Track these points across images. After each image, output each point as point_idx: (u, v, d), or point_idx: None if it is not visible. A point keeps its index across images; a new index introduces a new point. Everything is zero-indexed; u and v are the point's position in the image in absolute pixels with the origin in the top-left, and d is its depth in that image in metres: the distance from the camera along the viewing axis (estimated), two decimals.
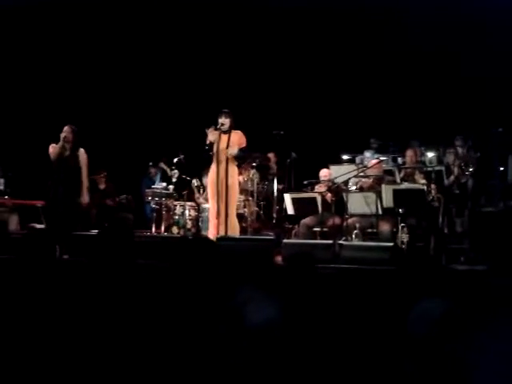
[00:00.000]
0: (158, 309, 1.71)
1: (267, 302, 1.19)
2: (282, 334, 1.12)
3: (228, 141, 5.79)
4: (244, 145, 5.81)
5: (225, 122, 5.76)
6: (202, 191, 6.94)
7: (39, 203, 6.96)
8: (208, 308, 1.40)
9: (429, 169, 6.23)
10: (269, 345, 1.06)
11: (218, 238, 5.14)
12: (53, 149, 6.03)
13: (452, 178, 6.61)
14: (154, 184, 7.35)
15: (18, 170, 7.43)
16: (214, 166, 5.83)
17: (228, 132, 5.81)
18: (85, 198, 6.06)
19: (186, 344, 1.40)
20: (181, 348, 1.40)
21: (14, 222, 6.96)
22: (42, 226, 6.84)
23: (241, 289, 1.27)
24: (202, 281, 1.71)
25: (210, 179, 5.89)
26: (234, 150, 5.75)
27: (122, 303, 2.26)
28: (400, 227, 5.83)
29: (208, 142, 5.75)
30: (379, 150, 7.95)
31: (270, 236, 5.89)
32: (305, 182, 6.55)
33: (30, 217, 7.09)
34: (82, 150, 6.16)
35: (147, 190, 6.71)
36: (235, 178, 5.89)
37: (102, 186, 7.97)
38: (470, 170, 6.65)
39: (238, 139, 5.78)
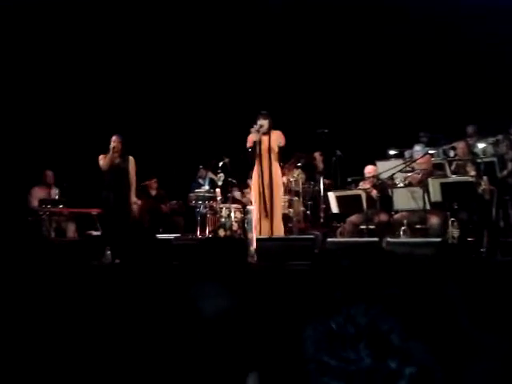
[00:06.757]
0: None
1: (222, 294, 1.22)
2: (236, 325, 1.14)
3: (269, 141, 5.83)
4: (283, 143, 5.83)
5: (263, 123, 5.81)
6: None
7: (95, 211, 7.25)
8: (165, 301, 1.44)
9: (478, 160, 5.98)
10: (223, 336, 1.08)
11: (257, 239, 5.18)
12: (103, 160, 6.30)
13: (506, 170, 6.31)
14: (202, 187, 7.54)
15: (73, 179, 7.79)
16: (257, 168, 5.88)
17: (268, 133, 5.85)
18: (133, 198, 6.33)
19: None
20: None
21: (71, 230, 7.30)
22: (98, 233, 7.13)
23: (197, 282, 1.30)
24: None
25: (253, 181, 5.94)
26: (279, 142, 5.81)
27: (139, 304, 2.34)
28: (450, 222, 5.64)
29: (252, 143, 5.80)
30: (429, 144, 7.71)
31: (313, 235, 5.85)
32: (349, 180, 6.47)
33: (87, 224, 7.41)
34: (130, 158, 6.41)
35: (191, 194, 6.88)
36: (279, 178, 5.92)
37: (154, 193, 8.22)
38: None
39: (277, 138, 5.82)
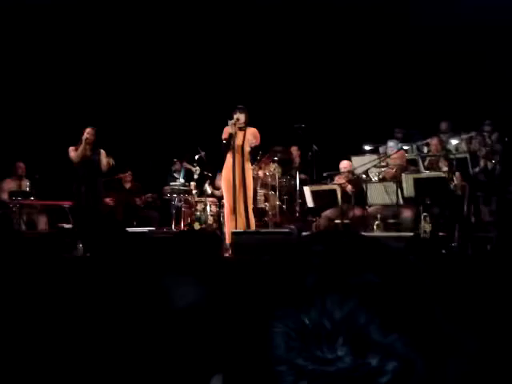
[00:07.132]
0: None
1: (193, 286, 1.20)
2: (206, 317, 1.13)
3: (244, 137, 5.80)
4: (258, 142, 5.81)
5: (240, 117, 5.77)
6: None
7: (67, 203, 7.13)
8: (136, 293, 1.42)
9: (451, 156, 6.08)
10: (193, 328, 1.07)
11: (233, 233, 5.16)
12: (73, 152, 6.20)
13: (478, 167, 6.43)
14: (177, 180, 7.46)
15: (45, 171, 7.64)
16: (229, 162, 5.82)
17: (244, 129, 5.82)
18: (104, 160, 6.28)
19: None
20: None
21: (42, 223, 7.17)
22: (69, 226, 7.01)
23: (167, 273, 1.28)
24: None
25: (224, 175, 5.90)
26: (252, 142, 5.78)
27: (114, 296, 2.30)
28: (422, 216, 5.72)
29: (228, 135, 5.75)
30: (404, 140, 7.80)
31: (288, 229, 5.86)
32: (324, 174, 6.50)
33: (59, 217, 7.28)
34: (101, 150, 6.32)
35: (165, 187, 6.81)
36: (250, 173, 5.91)
37: (128, 186, 8.12)
38: (496, 157, 6.46)
39: (252, 136, 5.79)
